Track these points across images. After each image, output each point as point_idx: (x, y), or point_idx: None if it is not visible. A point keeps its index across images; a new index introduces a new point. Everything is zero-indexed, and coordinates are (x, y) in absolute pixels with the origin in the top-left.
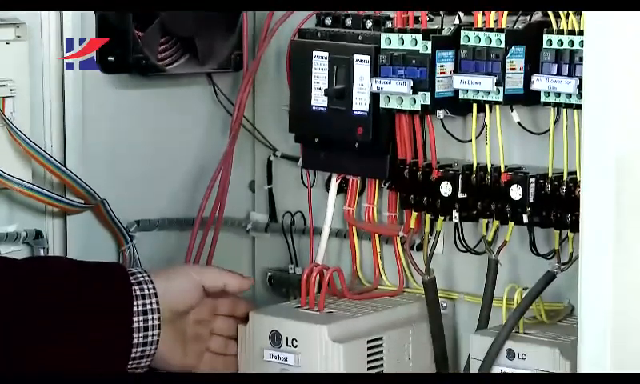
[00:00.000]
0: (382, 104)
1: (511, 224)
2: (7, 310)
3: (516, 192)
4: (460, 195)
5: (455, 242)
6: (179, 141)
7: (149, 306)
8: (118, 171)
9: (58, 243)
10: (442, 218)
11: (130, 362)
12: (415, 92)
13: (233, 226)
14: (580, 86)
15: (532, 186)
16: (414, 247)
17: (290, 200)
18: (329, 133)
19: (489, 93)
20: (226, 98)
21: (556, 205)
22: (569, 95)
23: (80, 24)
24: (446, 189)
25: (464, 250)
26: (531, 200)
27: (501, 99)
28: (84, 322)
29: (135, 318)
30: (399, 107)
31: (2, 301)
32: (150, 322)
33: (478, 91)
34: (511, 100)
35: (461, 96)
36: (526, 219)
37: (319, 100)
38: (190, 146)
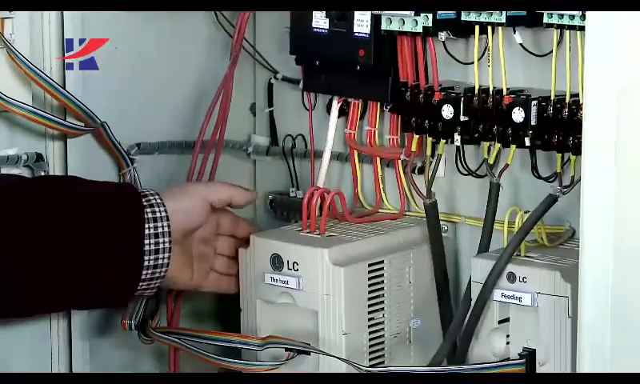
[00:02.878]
0: (384, 26)
1: (513, 147)
2: (19, 228)
3: (518, 115)
4: (462, 118)
5: (457, 165)
6: (179, 63)
7: (160, 229)
8: (118, 94)
9: (58, 166)
10: (444, 140)
11: (140, 284)
12: (417, 14)
13: (234, 148)
14: None
15: (534, 109)
16: (416, 170)
17: (291, 123)
18: (330, 55)
19: (491, 14)
20: (227, 20)
21: (558, 127)
22: (572, 16)
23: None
24: (447, 111)
25: (465, 173)
26: (533, 123)
27: (503, 21)
28: (95, 243)
29: (146, 241)
30: (401, 29)
31: (15, 218)
32: (161, 245)
33: (480, 13)
34: (514, 22)
35: (463, 18)
36: (527, 142)
37: (320, 22)
38: (190, 69)
